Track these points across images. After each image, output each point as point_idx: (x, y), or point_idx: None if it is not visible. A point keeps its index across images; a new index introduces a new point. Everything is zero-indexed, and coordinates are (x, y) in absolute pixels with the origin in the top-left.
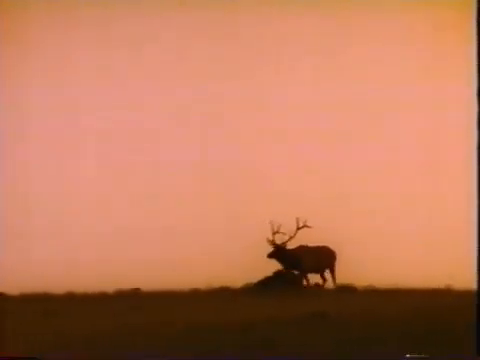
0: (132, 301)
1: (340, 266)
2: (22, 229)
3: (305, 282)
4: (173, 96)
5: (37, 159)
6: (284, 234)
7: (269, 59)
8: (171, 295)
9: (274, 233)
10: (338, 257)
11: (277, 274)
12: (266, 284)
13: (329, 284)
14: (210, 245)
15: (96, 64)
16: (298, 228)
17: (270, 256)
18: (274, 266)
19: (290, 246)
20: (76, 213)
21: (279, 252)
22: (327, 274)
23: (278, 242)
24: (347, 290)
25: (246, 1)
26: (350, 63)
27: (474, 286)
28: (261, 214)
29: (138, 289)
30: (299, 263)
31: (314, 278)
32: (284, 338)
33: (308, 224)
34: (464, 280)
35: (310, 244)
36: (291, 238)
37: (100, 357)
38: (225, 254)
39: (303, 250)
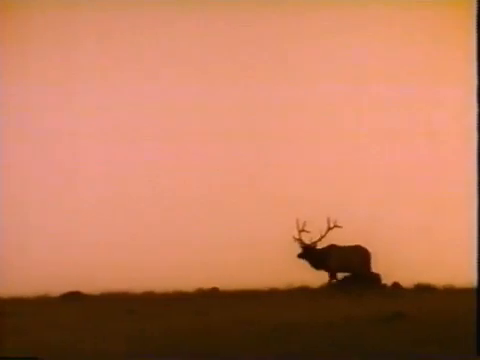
0: (211, 300)
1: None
2: (101, 230)
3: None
4: (183, 96)
5: (37, 159)
6: (309, 232)
7: (273, 59)
8: (250, 294)
9: (300, 231)
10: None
11: (356, 273)
12: (345, 283)
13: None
14: (288, 244)
15: (97, 63)
16: (329, 228)
17: (300, 257)
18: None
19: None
20: (153, 214)
21: (307, 252)
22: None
23: (308, 242)
24: (426, 289)
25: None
26: (350, 63)
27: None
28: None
29: (216, 288)
30: (326, 262)
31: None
32: (362, 338)
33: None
34: None
35: (344, 244)
36: (321, 238)
37: (180, 356)
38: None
39: (332, 249)
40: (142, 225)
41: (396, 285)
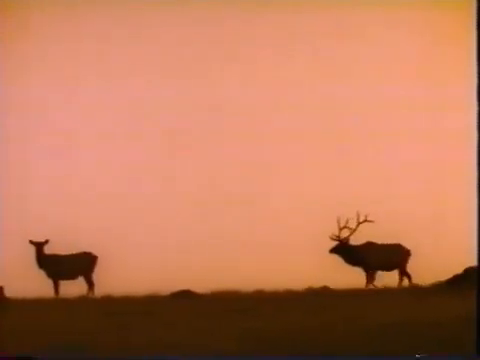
0: (321, 299)
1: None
2: (211, 230)
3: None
4: (199, 94)
5: (41, 160)
6: (350, 229)
7: (271, 59)
8: (360, 293)
9: (341, 229)
10: None
11: (467, 272)
12: (456, 282)
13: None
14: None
15: (100, 64)
16: (359, 222)
17: (332, 251)
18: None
19: (356, 242)
20: (258, 213)
21: (342, 247)
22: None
23: (341, 238)
24: None
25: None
26: (350, 64)
27: None
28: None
29: (327, 287)
30: (363, 260)
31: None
32: (471, 337)
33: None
34: None
35: (381, 241)
36: (352, 232)
37: (291, 353)
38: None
39: (369, 247)
40: (250, 225)
41: None
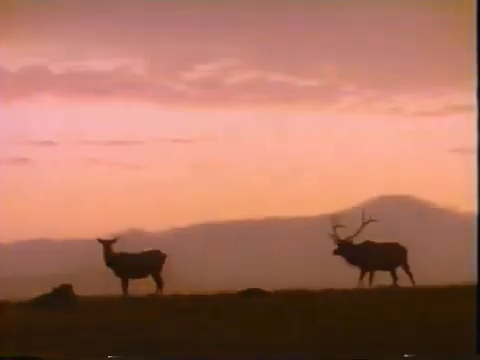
0: (389, 296)
1: None
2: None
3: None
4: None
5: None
6: (345, 227)
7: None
8: (427, 291)
9: (335, 227)
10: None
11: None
12: None
13: (406, 282)
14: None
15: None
16: (364, 223)
17: (336, 253)
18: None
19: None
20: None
21: (344, 248)
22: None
23: (342, 238)
24: None
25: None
26: (350, 64)
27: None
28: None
29: (396, 285)
30: (363, 259)
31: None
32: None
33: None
34: None
35: (379, 241)
36: (357, 233)
37: (361, 352)
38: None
39: (369, 246)
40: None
41: None
